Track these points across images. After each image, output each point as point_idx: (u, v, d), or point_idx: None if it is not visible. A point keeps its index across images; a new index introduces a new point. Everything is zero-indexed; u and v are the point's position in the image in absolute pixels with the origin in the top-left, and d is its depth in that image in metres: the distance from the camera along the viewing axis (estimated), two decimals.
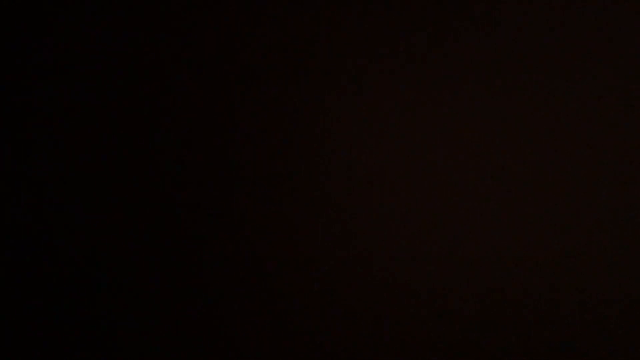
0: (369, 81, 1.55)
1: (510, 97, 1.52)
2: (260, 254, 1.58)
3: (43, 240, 1.63)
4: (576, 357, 1.49)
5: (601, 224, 1.49)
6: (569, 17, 1.50)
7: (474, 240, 1.52)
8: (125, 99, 1.62)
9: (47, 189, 1.63)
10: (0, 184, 1.64)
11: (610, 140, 1.49)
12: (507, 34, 1.52)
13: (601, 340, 1.49)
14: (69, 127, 1.63)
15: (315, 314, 1.56)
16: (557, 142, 1.50)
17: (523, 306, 1.51)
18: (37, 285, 1.63)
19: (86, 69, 1.63)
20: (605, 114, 1.49)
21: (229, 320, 1.58)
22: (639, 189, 1.48)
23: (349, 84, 1.56)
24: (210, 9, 1.60)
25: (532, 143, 1.51)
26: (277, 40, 1.58)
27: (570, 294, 1.49)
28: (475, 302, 1.52)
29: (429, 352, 1.53)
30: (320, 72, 1.57)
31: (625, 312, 1.48)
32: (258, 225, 1.58)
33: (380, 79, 1.55)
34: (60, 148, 1.63)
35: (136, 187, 1.61)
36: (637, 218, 1.48)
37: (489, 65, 1.52)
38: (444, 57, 1.53)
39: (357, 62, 1.56)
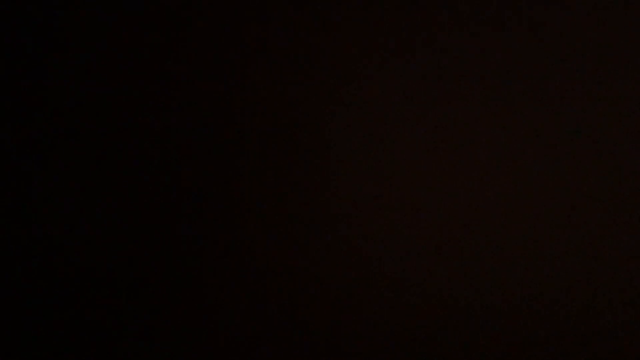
0: (370, 83, 1.55)
1: (511, 97, 1.52)
2: (262, 255, 1.58)
3: (43, 240, 1.63)
4: (576, 357, 1.50)
5: (602, 224, 1.49)
6: (568, 16, 1.51)
7: (476, 240, 1.52)
8: (127, 100, 1.62)
9: (47, 189, 1.63)
10: (0, 184, 1.64)
11: (611, 141, 1.49)
12: (508, 34, 1.52)
13: (601, 341, 1.49)
14: (68, 127, 1.63)
15: (316, 315, 1.56)
16: (558, 142, 1.51)
17: (524, 307, 1.51)
18: (37, 285, 1.63)
19: (86, 69, 1.63)
20: (606, 114, 1.49)
21: (230, 322, 1.59)
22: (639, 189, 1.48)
23: (350, 85, 1.56)
24: (212, 8, 1.60)
25: (533, 144, 1.51)
26: (278, 41, 1.58)
27: (570, 295, 1.50)
28: (477, 302, 1.52)
29: (431, 352, 1.53)
30: (321, 74, 1.57)
31: (625, 312, 1.48)
32: (259, 226, 1.58)
33: (382, 80, 1.55)
34: (60, 148, 1.63)
35: (137, 188, 1.61)
36: (637, 218, 1.48)
37: (491, 66, 1.52)
38: (445, 58, 1.53)
39: (358, 63, 1.56)
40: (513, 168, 1.52)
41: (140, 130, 1.61)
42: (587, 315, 1.49)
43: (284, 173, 1.57)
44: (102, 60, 1.63)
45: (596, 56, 1.50)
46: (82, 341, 1.62)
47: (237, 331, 1.58)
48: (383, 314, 1.55)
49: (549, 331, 1.50)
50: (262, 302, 1.58)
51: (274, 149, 1.58)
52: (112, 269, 1.61)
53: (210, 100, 1.60)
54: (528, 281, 1.51)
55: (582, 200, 1.50)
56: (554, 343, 1.50)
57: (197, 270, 1.59)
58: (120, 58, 1.62)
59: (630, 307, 1.48)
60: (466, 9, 1.52)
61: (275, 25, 1.58)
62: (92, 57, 1.63)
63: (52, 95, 1.64)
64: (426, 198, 1.54)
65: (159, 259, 1.60)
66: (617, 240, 1.49)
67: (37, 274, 1.63)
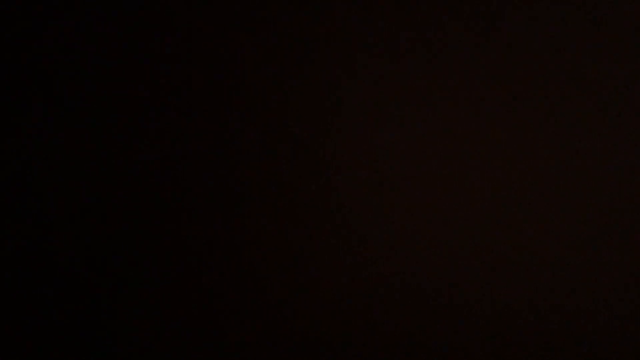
0: (373, 82, 1.55)
1: (512, 98, 1.52)
2: (262, 255, 1.58)
3: (43, 240, 1.63)
4: (576, 357, 1.50)
5: (601, 225, 1.49)
6: (568, 17, 1.51)
7: (477, 241, 1.52)
8: (127, 100, 1.62)
9: (47, 190, 1.63)
10: (0, 184, 1.64)
11: (610, 141, 1.49)
12: (508, 34, 1.52)
13: (601, 341, 1.49)
14: (69, 128, 1.63)
15: (317, 315, 1.56)
16: (558, 142, 1.51)
17: (524, 307, 1.51)
18: (37, 285, 1.63)
19: (86, 69, 1.63)
20: (605, 114, 1.50)
21: (231, 324, 1.59)
22: (639, 189, 1.49)
23: (352, 85, 1.56)
24: (214, 8, 1.60)
25: (533, 143, 1.51)
26: (280, 41, 1.58)
27: (570, 295, 1.50)
28: (478, 303, 1.52)
29: (431, 352, 1.53)
30: (324, 74, 1.57)
31: (625, 312, 1.48)
32: (260, 226, 1.58)
33: (384, 80, 1.55)
34: (60, 148, 1.63)
35: (138, 188, 1.61)
36: (637, 218, 1.48)
37: (492, 66, 1.52)
38: (447, 58, 1.53)
39: (360, 63, 1.56)
40: (513, 167, 1.52)
41: (140, 130, 1.61)
42: (586, 315, 1.49)
43: (283, 173, 1.57)
44: (102, 60, 1.63)
45: (596, 56, 1.50)
46: (82, 341, 1.62)
47: (236, 331, 1.58)
48: (383, 314, 1.55)
49: (549, 331, 1.50)
50: (262, 302, 1.58)
51: (274, 148, 1.58)
52: (111, 268, 1.61)
53: (210, 100, 1.60)
54: (528, 281, 1.51)
55: (582, 200, 1.50)
56: (555, 343, 1.50)
57: (197, 271, 1.59)
58: (120, 58, 1.62)
59: (631, 307, 1.48)
60: (466, 9, 1.53)
61: (275, 24, 1.58)
62: (92, 56, 1.63)
63: (52, 95, 1.64)
64: (426, 197, 1.54)
65: (159, 259, 1.60)
66: (617, 240, 1.49)
67: (37, 273, 1.63)
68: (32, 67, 1.64)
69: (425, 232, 1.54)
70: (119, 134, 1.62)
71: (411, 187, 1.54)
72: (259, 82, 1.59)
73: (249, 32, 1.59)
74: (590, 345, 1.49)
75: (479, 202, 1.53)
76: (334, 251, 1.56)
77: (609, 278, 1.49)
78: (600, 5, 1.50)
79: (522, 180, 1.52)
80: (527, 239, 1.51)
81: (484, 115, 1.53)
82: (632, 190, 1.49)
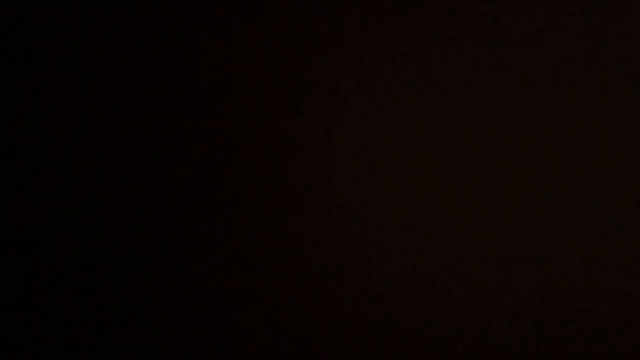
0: (373, 82, 1.55)
1: (512, 98, 1.52)
2: (263, 255, 1.58)
3: (43, 240, 1.63)
4: (576, 357, 1.50)
5: (602, 225, 1.49)
6: (567, 16, 1.51)
7: (477, 241, 1.52)
8: (127, 100, 1.62)
9: (47, 189, 1.63)
10: (0, 184, 1.64)
11: (610, 141, 1.49)
12: (508, 34, 1.52)
13: (601, 341, 1.49)
14: (69, 127, 1.63)
15: (317, 315, 1.57)
16: (558, 142, 1.51)
17: (524, 308, 1.51)
18: (37, 285, 1.64)
19: (86, 70, 1.63)
20: (605, 114, 1.49)
21: (232, 324, 1.59)
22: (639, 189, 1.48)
23: (351, 84, 1.56)
24: (213, 8, 1.60)
25: (534, 145, 1.51)
26: (279, 41, 1.58)
27: (570, 296, 1.50)
28: (478, 303, 1.52)
29: (430, 353, 1.53)
30: (324, 73, 1.57)
31: (625, 312, 1.48)
32: (260, 227, 1.58)
33: (384, 80, 1.55)
34: (60, 148, 1.63)
35: (137, 187, 1.61)
36: (637, 219, 1.48)
37: (491, 66, 1.52)
38: (448, 58, 1.53)
39: (360, 63, 1.56)
40: (513, 168, 1.52)
41: (140, 129, 1.61)
42: (587, 316, 1.49)
43: (284, 173, 1.57)
44: (102, 60, 1.63)
45: (596, 56, 1.50)
46: (81, 341, 1.62)
47: (237, 332, 1.59)
48: (383, 316, 1.55)
49: (549, 333, 1.50)
50: (261, 302, 1.58)
51: (274, 148, 1.58)
52: (111, 268, 1.62)
53: (209, 100, 1.60)
54: (529, 283, 1.51)
55: (582, 201, 1.50)
56: (555, 345, 1.50)
57: (197, 271, 1.60)
58: (120, 58, 1.62)
59: (630, 308, 1.48)
60: (467, 9, 1.53)
61: (275, 22, 1.58)
62: (92, 57, 1.63)
63: (52, 96, 1.64)
64: (427, 198, 1.54)
65: (159, 260, 1.61)
66: (617, 240, 1.49)
67: (36, 273, 1.64)
68: (32, 67, 1.64)
69: (425, 232, 1.53)
70: (119, 134, 1.62)
71: (411, 187, 1.54)
72: (258, 81, 1.59)
73: (249, 31, 1.59)
74: (591, 345, 1.49)
75: (479, 202, 1.52)
76: (333, 251, 1.56)
77: (609, 278, 1.49)
78: (601, 5, 1.49)
79: (522, 180, 1.51)
80: (528, 239, 1.51)
81: (484, 115, 1.52)
82: (632, 190, 1.48)
